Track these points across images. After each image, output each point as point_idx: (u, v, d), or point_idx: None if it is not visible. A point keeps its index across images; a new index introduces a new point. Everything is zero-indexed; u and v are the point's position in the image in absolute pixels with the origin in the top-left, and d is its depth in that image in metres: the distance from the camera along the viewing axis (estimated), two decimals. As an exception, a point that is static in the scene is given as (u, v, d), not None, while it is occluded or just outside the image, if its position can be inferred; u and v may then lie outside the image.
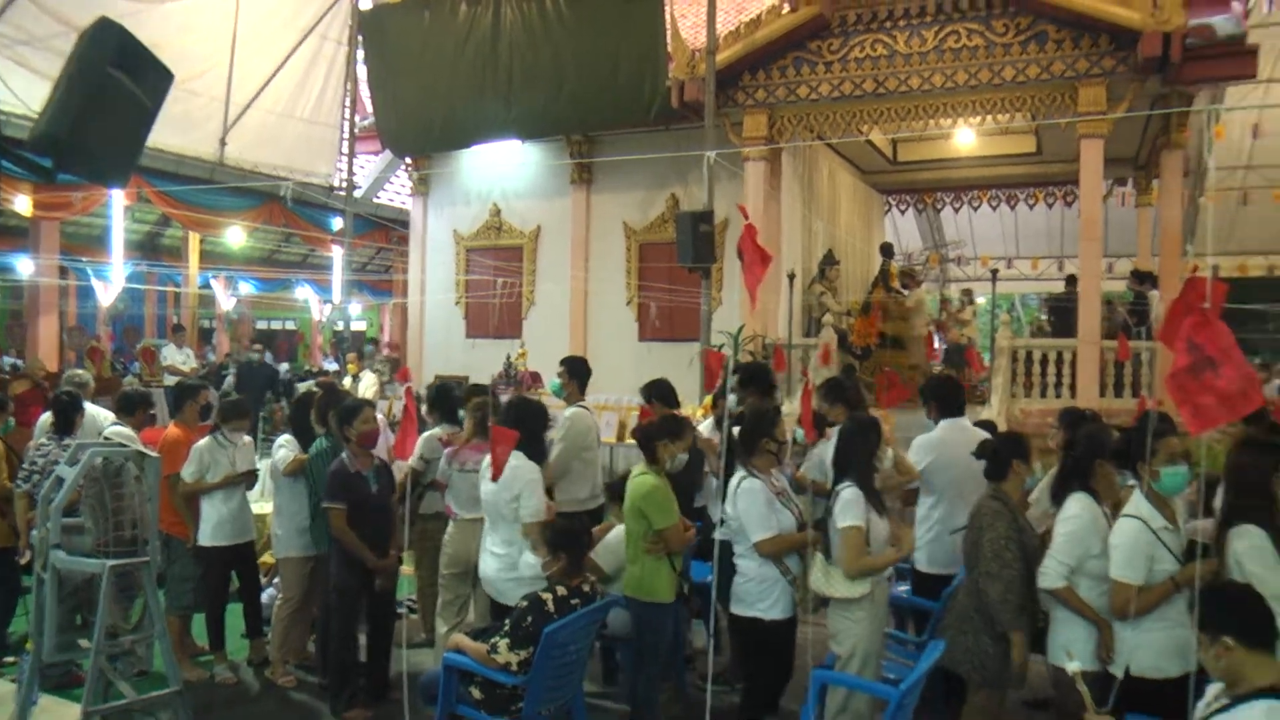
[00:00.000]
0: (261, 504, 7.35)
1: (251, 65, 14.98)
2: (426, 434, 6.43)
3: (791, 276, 11.69)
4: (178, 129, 13.77)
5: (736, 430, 5.14)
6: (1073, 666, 3.63)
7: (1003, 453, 4.77)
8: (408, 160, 16.24)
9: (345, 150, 14.84)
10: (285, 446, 6.29)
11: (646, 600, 4.95)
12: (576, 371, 6.91)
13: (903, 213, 19.31)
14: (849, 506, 4.52)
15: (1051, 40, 10.37)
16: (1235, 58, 10.17)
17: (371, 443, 5.81)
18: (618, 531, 5.52)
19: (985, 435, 5.53)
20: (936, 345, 15.22)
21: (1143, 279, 12.08)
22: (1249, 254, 21.80)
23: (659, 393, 6.64)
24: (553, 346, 12.40)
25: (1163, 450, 4.10)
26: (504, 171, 14.81)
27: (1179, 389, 3.08)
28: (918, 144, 14.82)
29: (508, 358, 13.18)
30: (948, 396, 5.93)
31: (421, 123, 12.70)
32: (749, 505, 4.79)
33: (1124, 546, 4.05)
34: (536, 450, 5.40)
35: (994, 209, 17.49)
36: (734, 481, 4.92)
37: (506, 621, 4.64)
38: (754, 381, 6.59)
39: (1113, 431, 4.89)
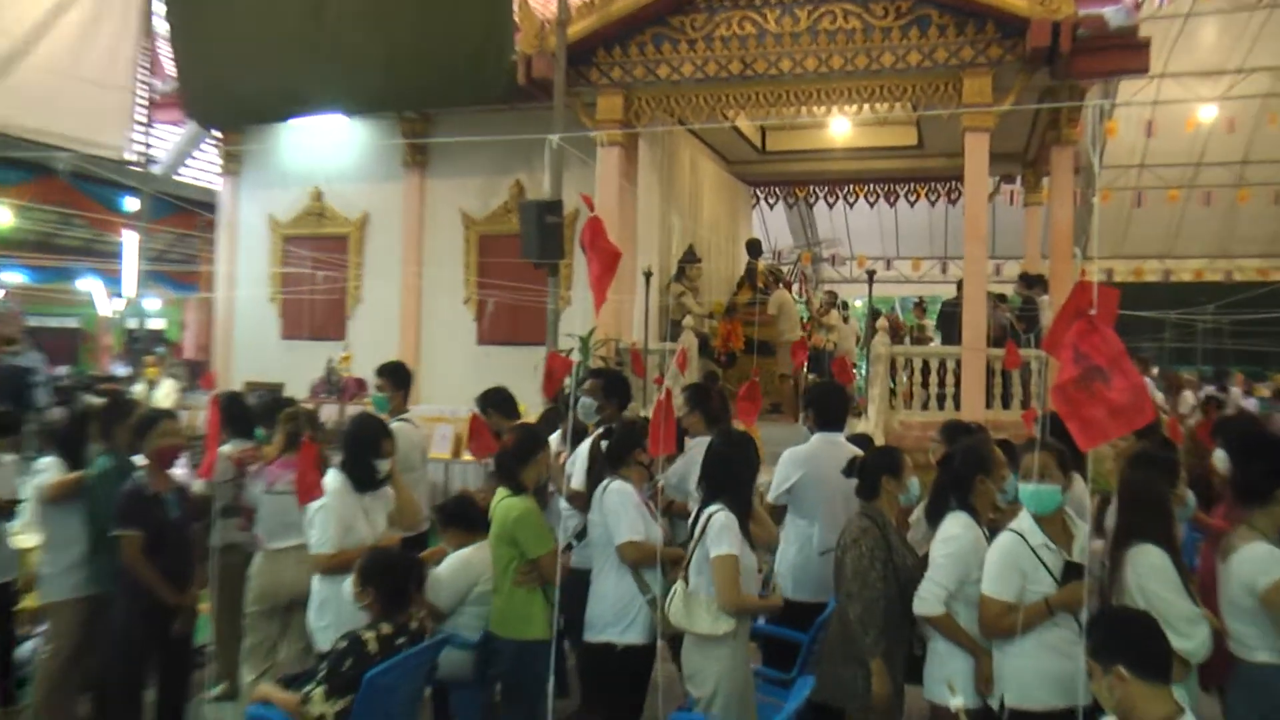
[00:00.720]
0: (24, 537, 6.89)
1: (20, 11, 14.14)
2: (218, 452, 6.18)
3: (648, 275, 11.73)
4: (-77, 86, 12.94)
5: (605, 444, 5.21)
6: (956, 702, 3.69)
7: (872, 469, 4.86)
8: (216, 134, 15.70)
9: (141, 118, 14.23)
10: (49, 469, 5.90)
11: (519, 639, 4.85)
12: (401, 380, 6.79)
13: (771, 207, 19.64)
14: (723, 533, 4.45)
15: (935, 26, 10.69)
16: (1127, 51, 10.62)
17: (172, 460, 5.58)
18: (451, 561, 5.39)
19: (857, 450, 5.62)
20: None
21: (1031, 283, 12.53)
22: (1144, 258, 22.81)
23: (496, 402, 6.59)
24: (381, 349, 12.14)
25: (1021, 466, 4.23)
26: (327, 151, 14.48)
27: (1066, 401, 3.15)
28: (789, 133, 15.13)
29: (329, 362, 12.91)
30: (828, 406, 6.00)
31: (232, 90, 12.13)
32: (619, 504, 4.81)
33: (996, 561, 4.15)
34: (363, 475, 5.24)
35: (872, 205, 17.92)
36: (601, 486, 4.97)
37: (322, 665, 4.48)
38: (616, 392, 6.63)
39: (994, 445, 5.02)
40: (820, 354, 14.37)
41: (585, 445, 5.90)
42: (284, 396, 7.95)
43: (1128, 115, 19.82)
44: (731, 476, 4.68)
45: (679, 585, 4.63)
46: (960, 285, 11.85)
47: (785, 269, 17.92)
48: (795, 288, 17.42)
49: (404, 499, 5.60)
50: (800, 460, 5.74)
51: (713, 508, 4.58)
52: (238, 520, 6.12)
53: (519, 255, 10.38)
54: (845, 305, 18.95)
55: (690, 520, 4.83)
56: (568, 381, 8.23)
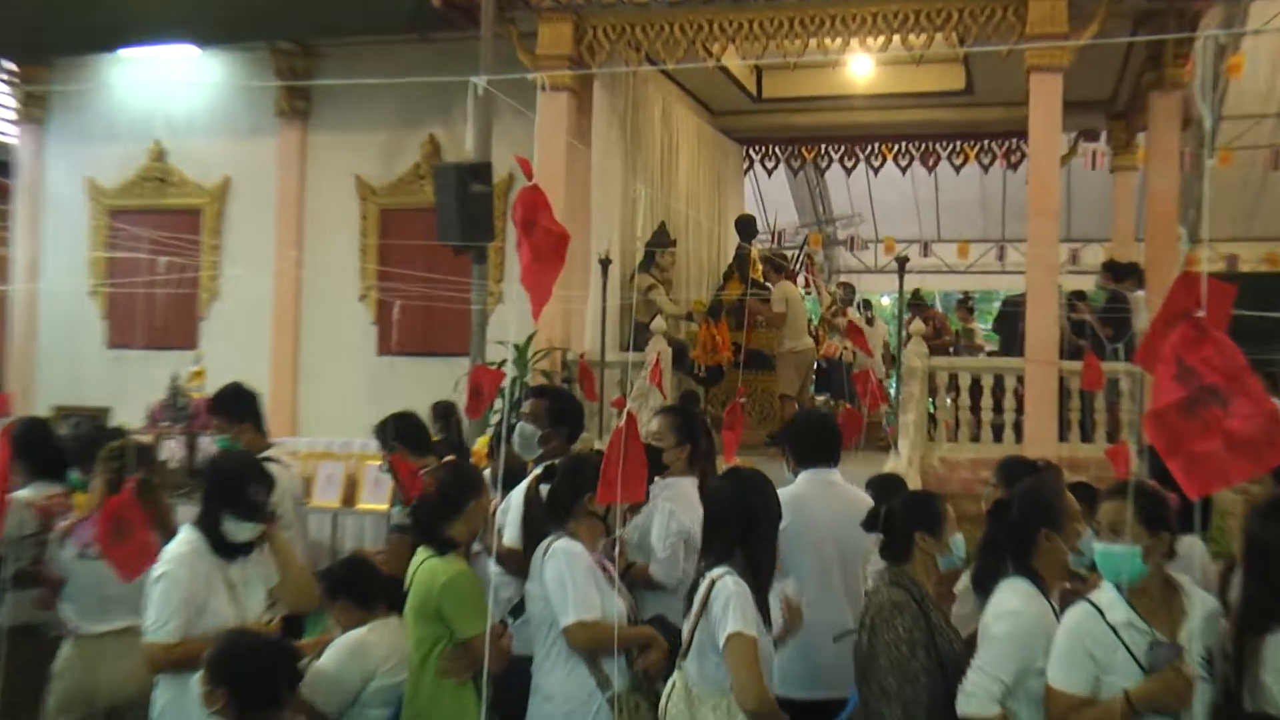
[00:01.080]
0: None
1: None
2: (11, 498, 6.07)
3: (605, 263, 11.71)
4: None
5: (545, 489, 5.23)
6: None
7: (902, 522, 4.81)
8: (9, 65, 15.57)
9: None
10: None
11: None
12: (240, 409, 6.75)
13: (770, 173, 19.67)
14: (736, 605, 4.41)
15: (990, -69, 10.68)
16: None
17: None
18: (339, 647, 5.32)
19: (859, 492, 5.65)
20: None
21: (1121, 274, 12.52)
22: (1280, 240, 22.43)
23: (401, 432, 6.58)
24: (246, 361, 12.11)
25: (1097, 518, 4.15)
26: (172, 93, 14.48)
27: (1166, 433, 3.08)
28: (793, 74, 15.09)
29: (174, 380, 12.76)
30: (809, 438, 6.00)
31: (33, 7, 12.15)
32: (565, 571, 4.79)
33: (1063, 641, 4.09)
34: (216, 535, 5.13)
35: (904, 170, 18.05)
36: (542, 546, 4.95)
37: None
38: (567, 418, 6.62)
39: (1066, 489, 4.95)
40: (833, 367, 14.35)
41: (521, 489, 5.85)
42: (109, 426, 7.84)
43: (1259, 47, 19.11)
44: (747, 531, 4.66)
45: (677, 677, 4.62)
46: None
47: (788, 255, 17.92)
48: (801, 279, 17.41)
49: (287, 563, 5.47)
50: (784, 506, 5.65)
51: (717, 572, 4.55)
52: (37, 594, 6.01)
53: (434, 236, 10.35)
54: (868, 303, 19.00)
55: (688, 590, 4.80)
56: (498, 404, 8.18)
